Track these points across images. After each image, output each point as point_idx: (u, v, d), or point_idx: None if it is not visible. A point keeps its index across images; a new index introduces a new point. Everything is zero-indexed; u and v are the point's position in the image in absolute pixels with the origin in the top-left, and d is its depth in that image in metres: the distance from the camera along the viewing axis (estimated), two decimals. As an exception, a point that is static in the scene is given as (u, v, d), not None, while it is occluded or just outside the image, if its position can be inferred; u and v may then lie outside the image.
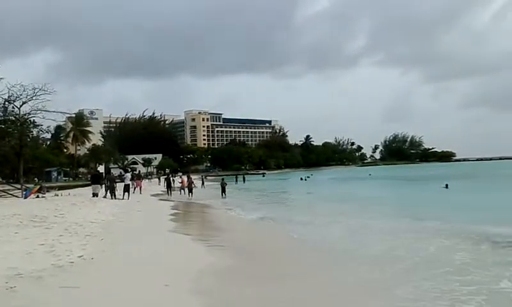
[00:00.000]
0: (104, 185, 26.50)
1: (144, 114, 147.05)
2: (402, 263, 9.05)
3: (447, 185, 34.95)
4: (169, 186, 33.39)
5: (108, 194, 25.35)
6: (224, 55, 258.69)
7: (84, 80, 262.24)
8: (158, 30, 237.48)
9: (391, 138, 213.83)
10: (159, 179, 58.81)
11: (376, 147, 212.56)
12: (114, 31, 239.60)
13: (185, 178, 33.94)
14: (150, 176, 79.26)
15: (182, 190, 32.85)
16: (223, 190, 32.54)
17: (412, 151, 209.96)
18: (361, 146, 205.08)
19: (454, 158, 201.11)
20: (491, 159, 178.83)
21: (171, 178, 36.41)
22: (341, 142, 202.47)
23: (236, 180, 60.24)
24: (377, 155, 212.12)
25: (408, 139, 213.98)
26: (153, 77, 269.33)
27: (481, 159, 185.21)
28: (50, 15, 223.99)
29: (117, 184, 27.46)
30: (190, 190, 31.22)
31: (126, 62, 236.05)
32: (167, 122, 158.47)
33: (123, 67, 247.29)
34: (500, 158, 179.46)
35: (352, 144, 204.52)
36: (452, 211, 19.01)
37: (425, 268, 8.42)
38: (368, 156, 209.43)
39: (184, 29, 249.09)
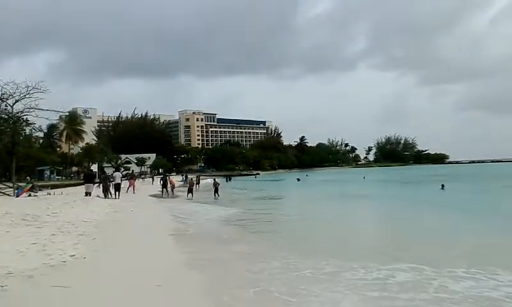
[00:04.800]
0: (101, 185, 26.61)
1: (136, 113, 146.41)
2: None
3: (443, 186, 35.45)
4: (165, 186, 33.30)
5: (102, 193, 25.39)
6: (224, 57, 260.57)
7: (86, 80, 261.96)
8: (159, 31, 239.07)
9: (384, 140, 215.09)
10: (153, 179, 58.30)
11: (370, 149, 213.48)
12: (116, 32, 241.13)
13: (173, 179, 34.72)
14: (143, 176, 78.85)
15: (172, 190, 33.69)
16: (216, 191, 32.40)
17: (406, 153, 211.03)
18: (356, 147, 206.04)
19: (447, 160, 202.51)
20: (483, 162, 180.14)
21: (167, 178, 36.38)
22: (334, 143, 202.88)
23: (226, 180, 59.56)
24: (371, 157, 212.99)
25: (402, 141, 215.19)
26: (153, 77, 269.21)
27: (474, 162, 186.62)
28: (52, 16, 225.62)
29: (111, 183, 27.30)
30: (190, 191, 31.78)
31: (127, 63, 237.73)
32: (162, 121, 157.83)
33: (123, 67, 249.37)
34: (492, 161, 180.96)
35: (346, 145, 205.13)
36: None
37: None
38: (362, 157, 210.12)
39: (184, 30, 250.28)
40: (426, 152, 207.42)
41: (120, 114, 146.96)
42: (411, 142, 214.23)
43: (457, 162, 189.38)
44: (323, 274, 8.10)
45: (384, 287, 7.20)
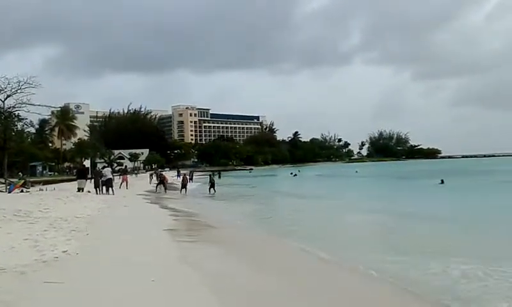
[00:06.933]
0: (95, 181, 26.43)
1: (130, 109, 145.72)
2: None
3: (442, 181, 35.58)
4: (161, 182, 33.07)
5: (94, 189, 25.29)
6: (221, 52, 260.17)
7: (82, 74, 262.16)
8: (157, 26, 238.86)
9: (377, 135, 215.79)
10: (151, 176, 57.10)
11: (363, 144, 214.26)
12: (113, 26, 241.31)
13: (166, 175, 34.85)
14: (136, 171, 78.51)
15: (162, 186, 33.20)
16: (212, 185, 32.30)
17: (399, 148, 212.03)
18: (349, 142, 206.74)
19: (440, 155, 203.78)
20: (476, 156, 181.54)
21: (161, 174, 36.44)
22: (327, 138, 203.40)
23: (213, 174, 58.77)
24: (365, 152, 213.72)
25: (394, 136, 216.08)
26: (151, 72, 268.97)
27: (466, 156, 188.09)
28: (50, 10, 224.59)
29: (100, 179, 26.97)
30: (184, 186, 31.82)
31: (124, 58, 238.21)
32: (154, 116, 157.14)
33: (120, 62, 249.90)
34: (485, 156, 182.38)
35: (340, 140, 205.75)
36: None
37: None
38: (355, 153, 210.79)
39: (182, 25, 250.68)
40: (419, 147, 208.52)
41: (110, 109, 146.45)
42: (403, 137, 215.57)
43: (449, 157, 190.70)
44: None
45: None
